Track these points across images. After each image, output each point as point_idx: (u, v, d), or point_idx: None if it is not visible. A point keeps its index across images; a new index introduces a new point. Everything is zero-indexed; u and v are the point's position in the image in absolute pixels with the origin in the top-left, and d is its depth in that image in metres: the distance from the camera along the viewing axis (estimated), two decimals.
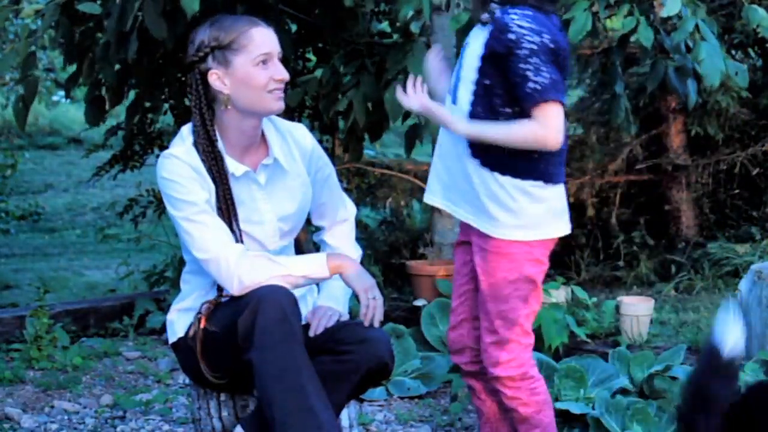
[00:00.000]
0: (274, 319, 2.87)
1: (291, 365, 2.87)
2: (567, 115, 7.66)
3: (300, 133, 3.23)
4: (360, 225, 6.86)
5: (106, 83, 5.00)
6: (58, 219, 10.79)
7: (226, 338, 2.96)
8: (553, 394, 3.85)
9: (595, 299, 5.20)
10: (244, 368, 2.93)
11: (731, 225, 7.07)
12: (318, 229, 3.38)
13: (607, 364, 4.21)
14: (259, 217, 3.12)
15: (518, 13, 2.92)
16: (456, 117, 3.00)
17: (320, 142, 5.23)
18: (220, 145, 3.07)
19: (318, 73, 4.91)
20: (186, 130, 3.12)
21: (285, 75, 3.06)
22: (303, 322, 3.10)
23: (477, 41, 3.01)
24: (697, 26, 4.24)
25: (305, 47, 5.64)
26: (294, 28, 5.40)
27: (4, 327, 5.29)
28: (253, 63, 3.03)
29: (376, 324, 3.04)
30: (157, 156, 3.11)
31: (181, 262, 3.88)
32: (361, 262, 3.24)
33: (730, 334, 2.54)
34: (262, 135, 3.15)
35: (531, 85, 2.88)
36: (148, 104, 5.31)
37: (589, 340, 4.80)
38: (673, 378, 4.11)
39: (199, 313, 3.09)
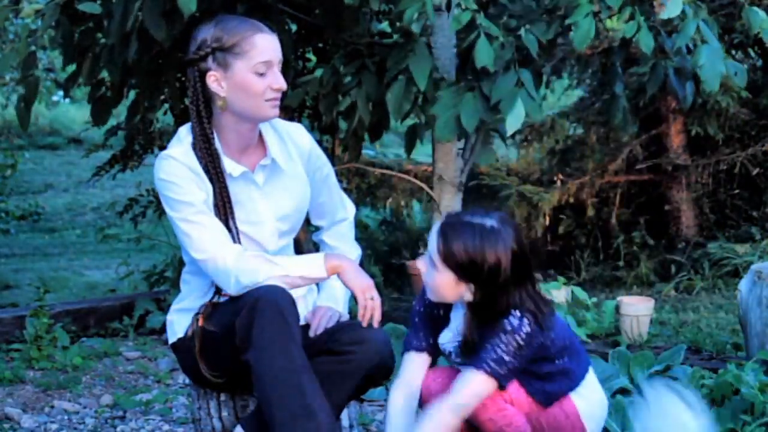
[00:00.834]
0: (272, 320, 2.87)
1: (289, 365, 2.87)
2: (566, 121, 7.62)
3: (298, 133, 3.22)
4: (360, 225, 6.86)
5: (108, 83, 5.00)
6: (58, 219, 10.79)
7: (225, 338, 2.96)
8: None
9: (595, 299, 5.21)
10: (242, 368, 2.93)
11: (731, 225, 7.07)
12: (317, 228, 3.38)
13: (607, 364, 4.21)
14: (258, 217, 3.11)
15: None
16: None
17: (320, 142, 5.24)
18: (218, 144, 3.07)
19: (318, 73, 4.90)
20: (183, 130, 3.11)
21: (283, 85, 3.04)
22: (303, 323, 3.10)
23: None
24: (698, 28, 4.23)
25: (305, 47, 5.63)
26: (294, 28, 5.39)
27: (4, 327, 5.30)
28: (252, 70, 3.01)
29: (375, 324, 3.03)
30: (157, 156, 3.10)
31: (181, 263, 3.87)
32: (361, 263, 3.24)
33: None
34: (260, 135, 3.14)
35: (493, 355, 2.84)
36: (147, 104, 5.30)
37: (589, 340, 4.80)
38: (674, 378, 4.10)
39: (198, 312, 3.09)
